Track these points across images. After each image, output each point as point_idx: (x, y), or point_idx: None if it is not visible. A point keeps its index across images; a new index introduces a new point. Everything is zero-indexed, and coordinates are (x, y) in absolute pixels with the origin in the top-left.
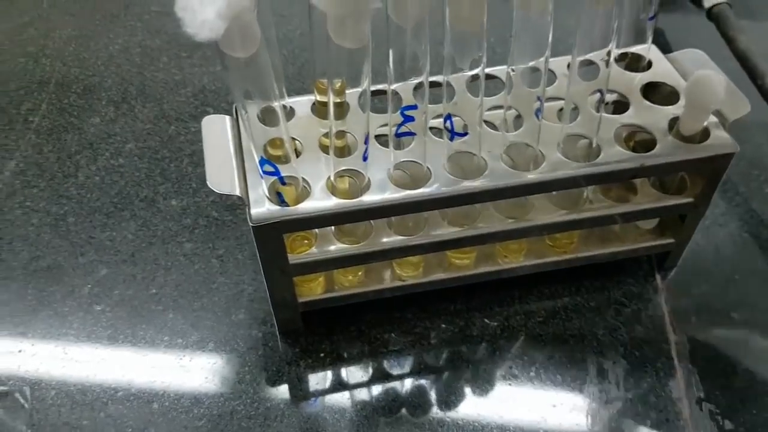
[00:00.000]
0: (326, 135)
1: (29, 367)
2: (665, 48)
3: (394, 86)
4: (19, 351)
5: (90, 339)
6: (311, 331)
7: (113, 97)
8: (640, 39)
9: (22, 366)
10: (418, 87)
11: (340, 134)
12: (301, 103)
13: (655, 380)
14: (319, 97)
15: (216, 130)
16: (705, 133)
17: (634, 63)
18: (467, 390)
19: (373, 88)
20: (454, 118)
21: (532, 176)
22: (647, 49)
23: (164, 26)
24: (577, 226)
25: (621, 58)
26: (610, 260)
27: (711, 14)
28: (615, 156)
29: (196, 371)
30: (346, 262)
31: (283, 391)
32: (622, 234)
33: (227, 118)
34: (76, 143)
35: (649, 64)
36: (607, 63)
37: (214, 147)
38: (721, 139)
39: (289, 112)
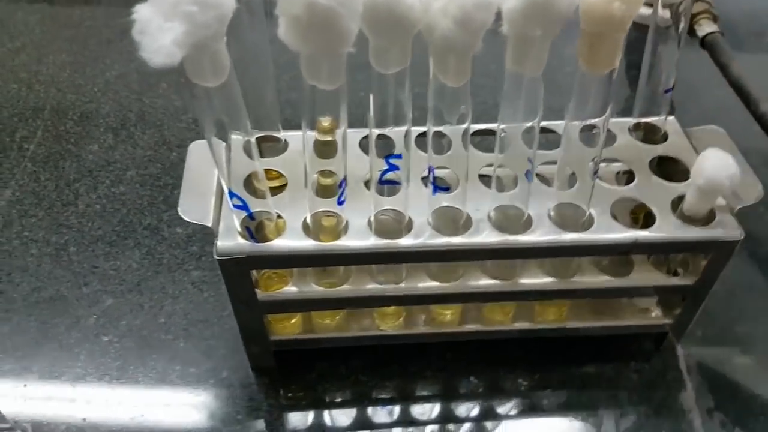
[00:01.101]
0: (321, 173)
1: (35, 402)
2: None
3: (386, 131)
4: (24, 385)
5: (98, 371)
6: (293, 370)
7: (111, 124)
8: (657, 110)
9: (28, 401)
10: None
11: (329, 173)
12: (298, 138)
13: (666, 393)
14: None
15: (201, 156)
16: (711, 215)
17: (649, 134)
18: None
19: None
20: (445, 171)
21: (513, 239)
22: (663, 121)
23: None
24: (564, 295)
25: (636, 128)
26: (603, 335)
27: (704, 43)
28: (607, 228)
29: (208, 400)
30: (318, 305)
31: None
32: (619, 310)
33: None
34: (75, 171)
35: (665, 137)
36: (602, 129)
37: (196, 173)
38: (725, 224)
39: (284, 145)
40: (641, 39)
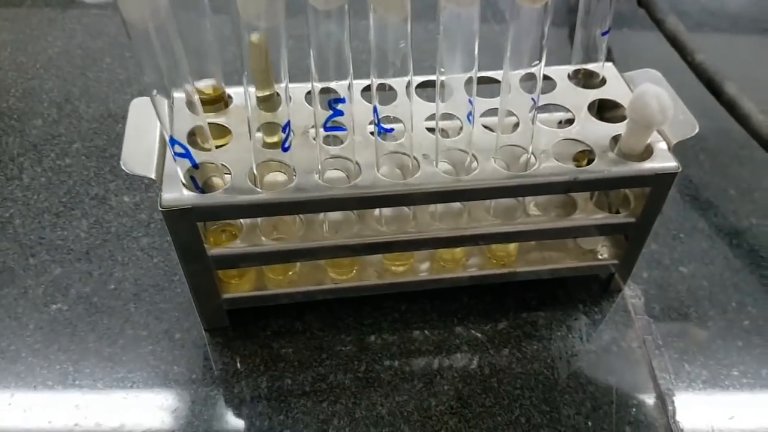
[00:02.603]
0: (266, 130)
1: None
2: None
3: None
4: None
5: (48, 339)
6: (247, 329)
7: (55, 99)
8: (594, 56)
9: None
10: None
11: (274, 128)
12: (240, 94)
13: (615, 333)
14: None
15: (144, 113)
16: (648, 152)
17: (587, 79)
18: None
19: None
20: (393, 123)
21: (460, 180)
22: (601, 66)
23: (105, 28)
24: (511, 238)
25: (575, 75)
26: (552, 277)
27: (641, 2)
28: (549, 168)
29: (162, 361)
30: (269, 258)
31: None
32: (566, 253)
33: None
34: (18, 146)
35: (603, 81)
36: (538, 74)
37: (138, 129)
38: (662, 158)
39: (228, 100)
40: None
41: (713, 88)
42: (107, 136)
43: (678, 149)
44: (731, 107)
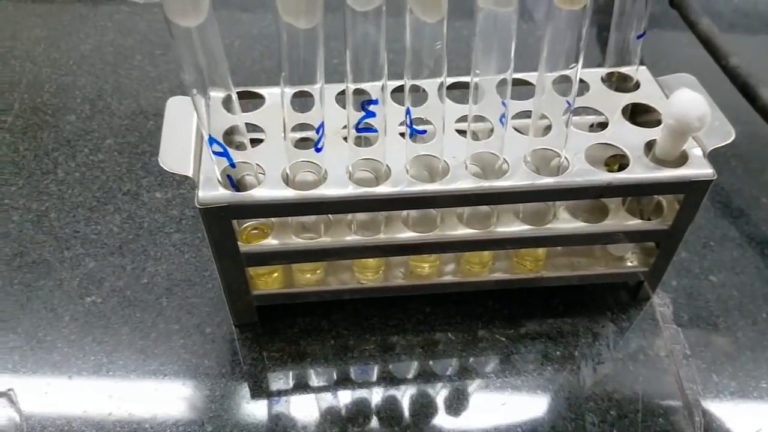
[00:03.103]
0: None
1: (22, 363)
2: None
3: (362, 85)
4: (11, 349)
5: (82, 331)
6: (275, 326)
7: (88, 95)
8: (628, 59)
9: (14, 363)
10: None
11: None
12: (275, 94)
13: (642, 341)
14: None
15: (180, 111)
16: (683, 158)
17: (621, 83)
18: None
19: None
20: (424, 125)
21: (488, 184)
22: (635, 70)
23: (136, 25)
24: (540, 243)
25: (609, 78)
26: (580, 285)
27: (674, 3)
28: (582, 172)
29: (192, 355)
30: (298, 256)
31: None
32: (595, 260)
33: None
34: (53, 141)
35: (637, 85)
36: (574, 76)
37: (174, 128)
38: (697, 165)
39: (262, 101)
40: None
41: (748, 92)
42: (139, 132)
43: (710, 155)
44: (766, 113)
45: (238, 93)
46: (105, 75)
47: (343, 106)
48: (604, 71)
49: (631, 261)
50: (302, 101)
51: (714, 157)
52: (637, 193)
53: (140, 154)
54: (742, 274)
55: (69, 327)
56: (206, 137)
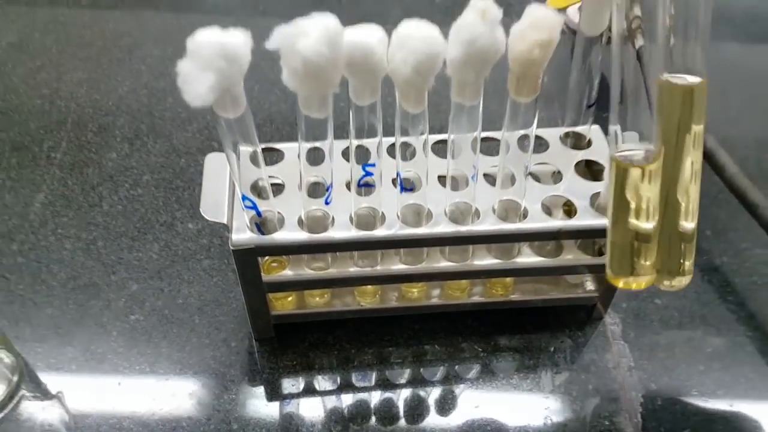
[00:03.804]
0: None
1: (76, 372)
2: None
3: (363, 141)
4: (69, 359)
5: (128, 344)
6: (289, 341)
7: (127, 135)
8: (584, 121)
9: (70, 372)
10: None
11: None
12: (292, 149)
13: (594, 355)
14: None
15: (215, 165)
16: None
17: (577, 141)
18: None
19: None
20: (410, 173)
21: (464, 229)
22: (588, 129)
23: (167, 69)
24: (507, 274)
25: (566, 136)
26: (544, 307)
27: (639, 55)
28: (538, 219)
29: (219, 364)
30: (310, 284)
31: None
32: (556, 286)
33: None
34: (97, 176)
35: (590, 143)
36: (531, 138)
37: (211, 181)
38: None
39: (280, 156)
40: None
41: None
42: (172, 169)
43: None
44: (710, 158)
45: (262, 149)
46: (141, 116)
47: (348, 160)
48: (562, 130)
49: (586, 287)
50: (315, 153)
51: None
52: (583, 237)
53: (174, 188)
54: (683, 298)
55: (117, 341)
56: (239, 194)
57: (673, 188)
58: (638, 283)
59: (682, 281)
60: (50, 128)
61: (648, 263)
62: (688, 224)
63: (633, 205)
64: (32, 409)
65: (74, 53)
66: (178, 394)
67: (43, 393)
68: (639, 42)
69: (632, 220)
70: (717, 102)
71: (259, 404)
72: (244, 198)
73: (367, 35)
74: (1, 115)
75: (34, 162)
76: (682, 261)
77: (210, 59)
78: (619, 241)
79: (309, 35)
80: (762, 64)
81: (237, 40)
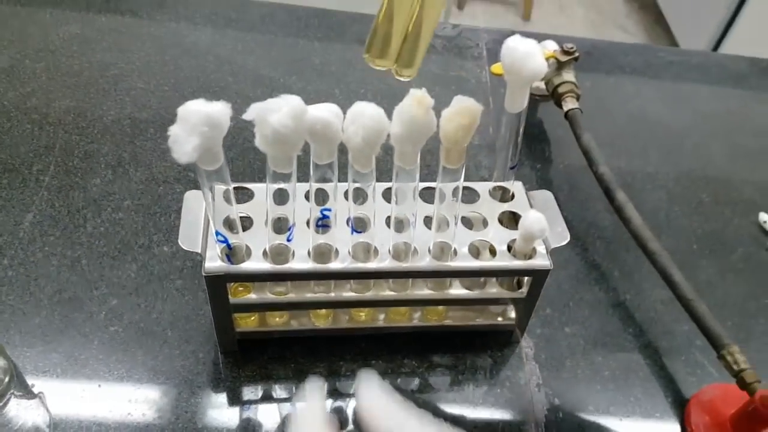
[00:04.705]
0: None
1: (60, 376)
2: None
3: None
4: (55, 364)
5: (108, 352)
6: (251, 354)
7: (110, 162)
8: (509, 178)
9: (54, 375)
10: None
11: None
12: (260, 188)
13: (510, 372)
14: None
15: (193, 202)
16: (533, 252)
17: (503, 194)
18: None
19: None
20: (362, 214)
21: (404, 265)
22: (511, 184)
23: (149, 102)
24: (439, 303)
25: (494, 189)
26: (472, 331)
27: (567, 116)
28: (464, 259)
29: (188, 373)
30: (272, 307)
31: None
32: (481, 313)
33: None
34: (82, 200)
35: (513, 196)
36: (459, 193)
37: (189, 215)
38: (540, 259)
39: (251, 195)
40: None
41: (608, 194)
42: (151, 196)
43: (579, 236)
44: (619, 211)
45: (234, 188)
46: (124, 145)
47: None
48: (491, 185)
49: (507, 315)
50: (280, 193)
51: (583, 237)
52: (502, 275)
53: (152, 214)
54: (590, 327)
55: (98, 349)
56: (212, 228)
57: None
58: (384, 64)
59: (411, 72)
60: (39, 152)
61: (394, 51)
62: (427, 28)
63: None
64: (18, 407)
65: (63, 81)
66: (151, 397)
67: (28, 393)
68: (568, 105)
69: (398, 14)
70: (638, 159)
71: (222, 408)
72: (217, 233)
73: (328, 111)
74: None
75: (24, 184)
76: (415, 56)
77: (195, 125)
78: (381, 29)
79: (279, 111)
80: (682, 122)
81: (219, 109)
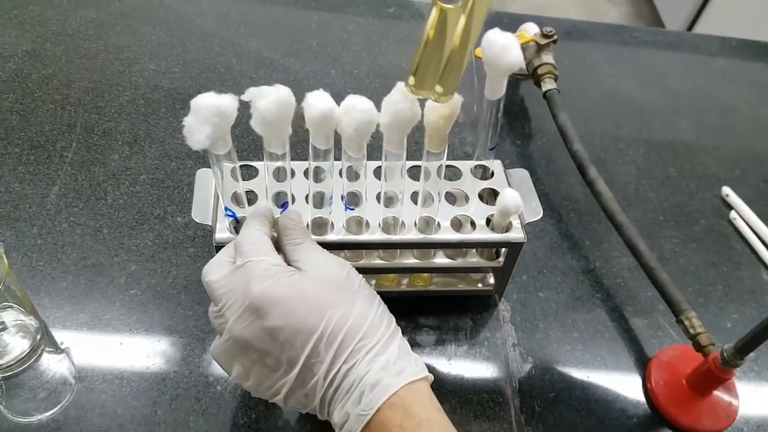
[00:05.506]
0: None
1: (86, 332)
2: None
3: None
4: (81, 323)
5: (129, 313)
6: None
7: (127, 139)
8: (489, 156)
9: (81, 332)
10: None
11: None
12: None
13: (489, 333)
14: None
15: (204, 179)
16: (509, 226)
17: (484, 172)
18: None
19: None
20: (355, 191)
21: (393, 237)
22: (491, 163)
23: (161, 83)
24: (425, 270)
25: (476, 168)
26: (454, 295)
27: (545, 96)
28: (446, 232)
29: (199, 330)
30: None
31: None
32: (463, 279)
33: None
34: (103, 174)
35: (492, 174)
36: (442, 171)
37: (201, 191)
38: (515, 232)
39: (255, 172)
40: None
41: (582, 170)
42: (165, 171)
43: (554, 208)
44: (591, 185)
45: (240, 165)
46: (139, 123)
47: (307, 178)
48: (473, 164)
49: (486, 281)
50: (279, 171)
51: (558, 209)
52: (481, 246)
53: (166, 187)
54: (562, 293)
55: (119, 310)
56: (222, 205)
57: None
58: (425, 95)
59: (449, 99)
60: (62, 130)
61: (434, 83)
62: (465, 60)
63: (446, 39)
64: (48, 361)
65: (81, 63)
66: (167, 352)
67: (57, 349)
68: (547, 86)
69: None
70: (611, 135)
71: None
72: (226, 209)
73: (324, 101)
74: (20, 117)
75: (50, 159)
76: (454, 87)
77: (207, 116)
78: (423, 63)
79: (266, 97)
80: (653, 99)
81: (228, 101)
